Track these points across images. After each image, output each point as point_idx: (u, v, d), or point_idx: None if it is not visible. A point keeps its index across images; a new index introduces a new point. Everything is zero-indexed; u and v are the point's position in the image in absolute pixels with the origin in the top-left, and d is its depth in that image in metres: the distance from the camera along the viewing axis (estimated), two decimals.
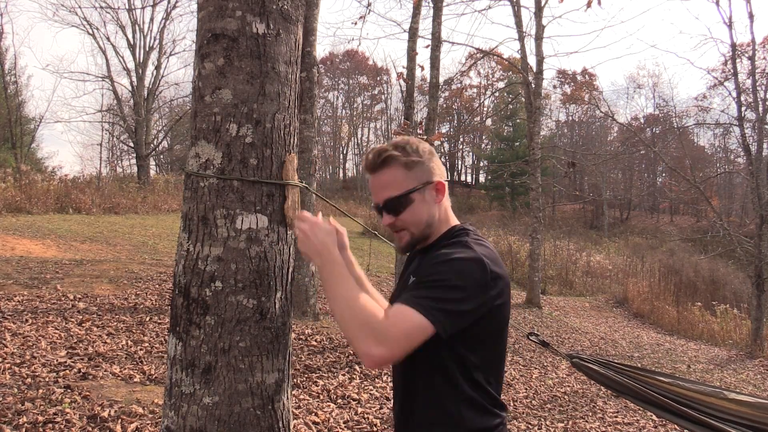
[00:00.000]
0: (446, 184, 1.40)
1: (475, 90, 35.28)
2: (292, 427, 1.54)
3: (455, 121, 45.50)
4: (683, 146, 25.31)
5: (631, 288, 14.04)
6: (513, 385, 5.53)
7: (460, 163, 49.82)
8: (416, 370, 1.29)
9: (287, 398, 1.52)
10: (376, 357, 1.14)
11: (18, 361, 3.70)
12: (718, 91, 28.18)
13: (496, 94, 32.87)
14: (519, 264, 16.56)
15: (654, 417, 5.08)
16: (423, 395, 1.29)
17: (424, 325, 1.15)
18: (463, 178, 49.95)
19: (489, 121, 41.87)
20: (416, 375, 1.30)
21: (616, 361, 2.25)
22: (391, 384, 4.79)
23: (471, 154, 49.13)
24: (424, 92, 23.32)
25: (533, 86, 11.42)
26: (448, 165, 47.90)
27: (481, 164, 47.78)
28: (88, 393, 3.35)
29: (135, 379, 3.73)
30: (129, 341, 4.51)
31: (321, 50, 58.92)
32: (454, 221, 1.43)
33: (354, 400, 4.19)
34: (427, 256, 1.33)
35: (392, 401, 1.42)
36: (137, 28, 23.46)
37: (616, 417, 5.04)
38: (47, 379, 3.48)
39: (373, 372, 4.99)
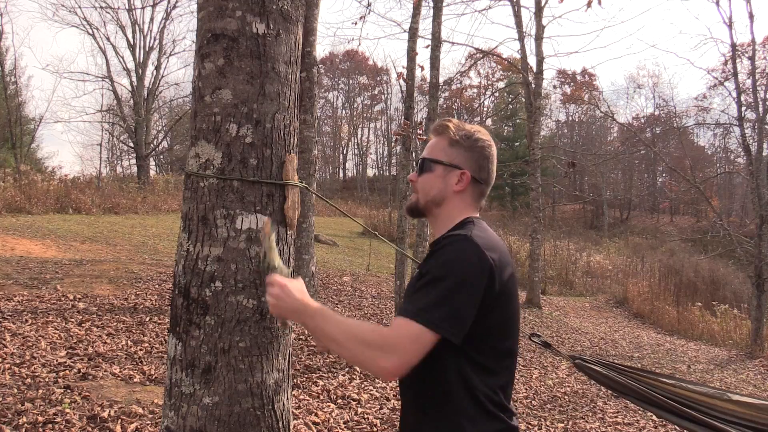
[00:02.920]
0: (476, 181, 1.40)
1: (475, 90, 35.26)
2: (292, 427, 1.54)
3: None
4: (683, 146, 25.33)
5: (631, 288, 14.04)
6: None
7: None
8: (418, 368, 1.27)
9: (287, 398, 1.51)
10: (389, 368, 1.16)
11: (18, 361, 3.70)
12: (718, 91, 28.16)
13: (496, 94, 32.89)
14: (519, 264, 16.55)
15: (654, 417, 5.08)
16: (423, 391, 1.27)
17: (426, 337, 1.15)
18: None
19: (489, 121, 41.85)
20: (419, 374, 1.27)
21: (618, 362, 2.25)
22: (391, 384, 4.79)
23: None
24: (424, 92, 23.31)
25: (533, 86, 11.42)
26: None
27: None
28: (88, 393, 3.35)
29: (135, 379, 3.72)
30: (129, 341, 4.51)
31: (321, 50, 58.92)
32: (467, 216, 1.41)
33: (354, 400, 4.19)
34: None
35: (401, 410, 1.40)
36: (137, 28, 23.46)
37: (616, 417, 5.04)
38: (47, 379, 3.48)
39: None
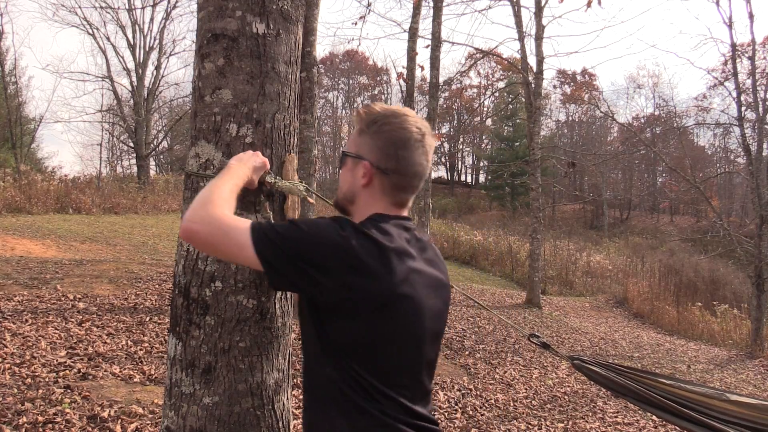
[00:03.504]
0: (383, 172, 1.20)
1: (475, 90, 35.29)
2: (292, 427, 1.54)
3: (455, 121, 45.52)
4: (683, 146, 25.32)
5: (631, 288, 14.04)
6: (513, 385, 5.53)
7: (460, 163, 49.86)
8: (309, 369, 1.22)
9: (287, 398, 1.52)
10: (186, 226, 1.13)
11: (18, 361, 3.70)
12: (718, 91, 28.18)
13: (496, 94, 32.88)
14: (519, 264, 16.55)
15: (654, 417, 5.08)
16: (311, 395, 1.22)
17: (243, 237, 1.10)
18: (463, 178, 49.98)
19: (489, 121, 41.88)
20: (309, 374, 1.22)
21: (617, 363, 2.25)
22: None
23: (471, 154, 49.18)
24: (424, 92, 23.31)
25: (533, 86, 11.43)
26: (448, 165, 47.93)
27: (481, 164, 47.81)
28: (88, 393, 3.35)
29: (135, 379, 3.73)
30: (129, 341, 4.51)
31: (321, 50, 58.91)
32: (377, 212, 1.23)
33: None
34: None
35: None
36: (137, 28, 23.45)
37: (616, 417, 5.04)
38: (47, 379, 3.48)
39: None
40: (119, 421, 3.05)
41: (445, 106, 40.46)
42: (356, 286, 1.08)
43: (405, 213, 1.25)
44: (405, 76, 6.50)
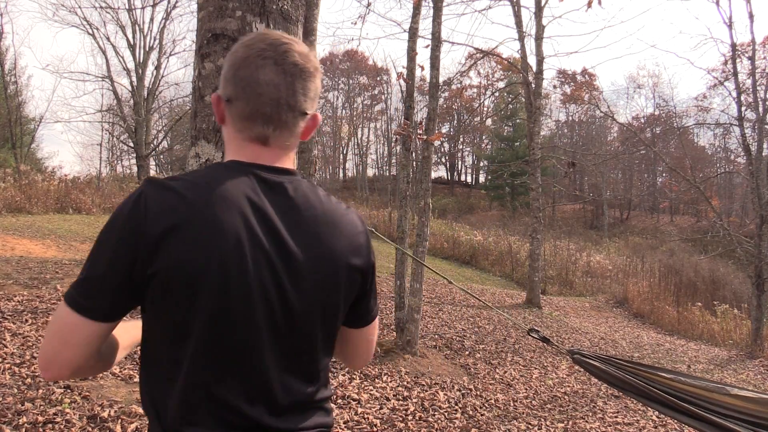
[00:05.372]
0: (227, 102, 0.96)
1: (475, 90, 35.30)
2: None
3: (455, 121, 45.53)
4: (683, 146, 25.35)
5: (631, 288, 14.04)
6: (513, 385, 5.53)
7: (460, 163, 49.90)
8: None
9: None
10: (41, 373, 0.91)
11: (18, 361, 3.70)
12: (718, 91, 28.25)
13: (496, 94, 32.89)
14: (519, 264, 16.55)
15: (654, 417, 5.08)
16: None
17: (68, 318, 0.86)
18: (463, 178, 50.02)
19: (489, 121, 41.89)
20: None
21: (617, 357, 2.25)
22: (391, 384, 4.78)
23: (471, 154, 49.21)
24: (424, 92, 23.32)
25: (533, 86, 11.43)
26: (448, 165, 47.97)
27: (481, 164, 47.84)
28: (88, 393, 3.35)
29: (135, 379, 3.73)
30: None
31: (321, 50, 58.86)
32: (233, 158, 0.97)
33: (354, 400, 4.19)
34: None
35: None
36: (137, 28, 23.45)
37: (616, 417, 5.04)
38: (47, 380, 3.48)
39: (374, 372, 4.99)
40: (119, 421, 3.05)
41: (445, 106, 40.48)
42: (145, 231, 0.85)
43: (272, 153, 0.97)
44: (405, 76, 6.50)
